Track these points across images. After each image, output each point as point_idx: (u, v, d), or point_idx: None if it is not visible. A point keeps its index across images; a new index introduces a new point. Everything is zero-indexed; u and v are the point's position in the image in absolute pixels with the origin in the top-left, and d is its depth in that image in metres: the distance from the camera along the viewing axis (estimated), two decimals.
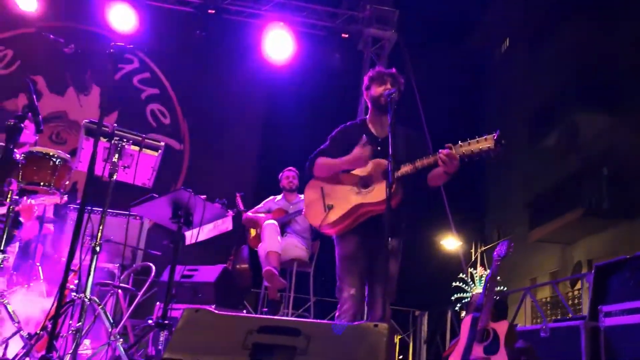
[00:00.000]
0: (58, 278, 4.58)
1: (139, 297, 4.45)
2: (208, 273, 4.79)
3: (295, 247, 5.06)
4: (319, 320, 2.03)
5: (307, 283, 5.27)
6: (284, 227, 5.15)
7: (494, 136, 2.74)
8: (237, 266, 5.61)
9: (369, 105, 3.23)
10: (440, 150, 2.82)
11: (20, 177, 2.71)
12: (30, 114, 2.59)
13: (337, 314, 3.02)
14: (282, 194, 5.42)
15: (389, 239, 2.47)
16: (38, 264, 4.42)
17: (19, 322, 2.70)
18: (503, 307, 7.34)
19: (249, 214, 5.37)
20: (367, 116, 3.27)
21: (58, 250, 4.92)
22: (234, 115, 7.43)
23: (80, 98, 7.09)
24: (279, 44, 7.14)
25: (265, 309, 5.02)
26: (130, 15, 6.87)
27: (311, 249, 5.25)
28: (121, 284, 4.73)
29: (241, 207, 5.74)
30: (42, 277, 4.43)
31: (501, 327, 3.45)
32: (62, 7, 7.04)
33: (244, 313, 5.07)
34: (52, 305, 4.00)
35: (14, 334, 2.70)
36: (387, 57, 7.53)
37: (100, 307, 2.59)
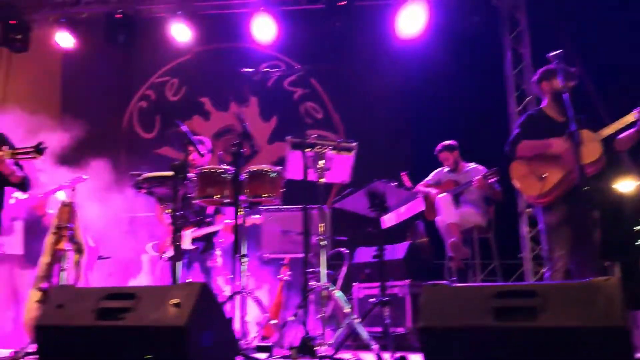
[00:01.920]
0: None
1: (339, 280, 4.90)
2: (396, 251, 5.12)
3: (472, 215, 5.23)
4: (549, 282, 2.22)
5: (487, 248, 5.40)
6: (457, 197, 5.32)
7: None
8: (416, 241, 5.90)
9: (546, 95, 3.66)
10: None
11: (247, 192, 3.19)
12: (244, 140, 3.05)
13: (547, 273, 3.21)
14: None
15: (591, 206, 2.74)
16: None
17: (266, 311, 3.19)
18: None
19: (420, 187, 5.62)
20: (543, 105, 3.71)
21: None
22: (380, 98, 7.64)
23: (242, 110, 7.75)
24: (412, 19, 7.24)
25: (454, 278, 5.24)
26: (270, 25, 7.37)
27: (487, 215, 5.37)
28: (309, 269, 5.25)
29: (408, 184, 5.99)
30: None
31: None
32: (210, 31, 7.70)
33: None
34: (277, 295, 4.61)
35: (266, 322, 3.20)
36: (525, 9, 7.29)
37: (336, 292, 2.98)
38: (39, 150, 3.38)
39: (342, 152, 3.26)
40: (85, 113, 7.76)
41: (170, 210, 3.35)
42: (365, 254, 5.40)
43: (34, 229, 5.41)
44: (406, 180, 5.94)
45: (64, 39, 7.39)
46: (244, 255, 3.23)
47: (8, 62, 7.90)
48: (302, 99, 7.78)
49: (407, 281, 4.81)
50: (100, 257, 4.77)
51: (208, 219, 4.52)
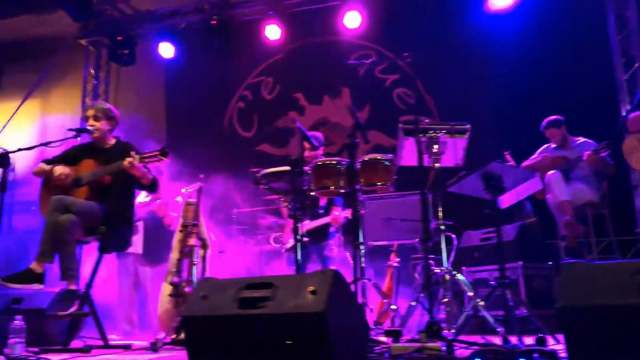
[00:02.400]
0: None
1: (448, 264, 4.89)
2: (506, 232, 5.02)
3: (585, 191, 5.04)
4: None
5: (601, 225, 5.18)
6: (568, 174, 5.14)
7: None
8: (526, 221, 5.75)
9: None
10: None
11: (362, 181, 3.28)
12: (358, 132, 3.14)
13: None
14: None
15: None
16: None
17: (386, 297, 3.26)
18: None
19: (526, 164, 5.48)
20: None
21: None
22: (474, 76, 7.47)
23: (335, 102, 7.90)
24: None
25: (567, 258, 5.08)
26: (357, 15, 7.42)
27: (600, 190, 5.15)
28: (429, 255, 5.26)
29: (513, 163, 5.85)
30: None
31: None
32: (299, 28, 7.86)
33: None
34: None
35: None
36: None
37: (459, 276, 3.01)
38: (164, 153, 3.64)
39: (455, 135, 3.27)
40: (188, 117, 8.24)
41: (287, 204, 3.50)
42: (472, 238, 5.35)
43: (154, 230, 5.82)
44: (510, 159, 5.80)
45: (166, 50, 7.83)
46: (360, 243, 3.33)
47: (117, 76, 8.49)
48: (394, 86, 7.78)
49: (519, 263, 4.72)
50: (220, 251, 5.06)
51: (321, 211, 4.69)
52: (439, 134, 3.19)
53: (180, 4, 7.98)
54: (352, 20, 7.47)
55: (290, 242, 5.00)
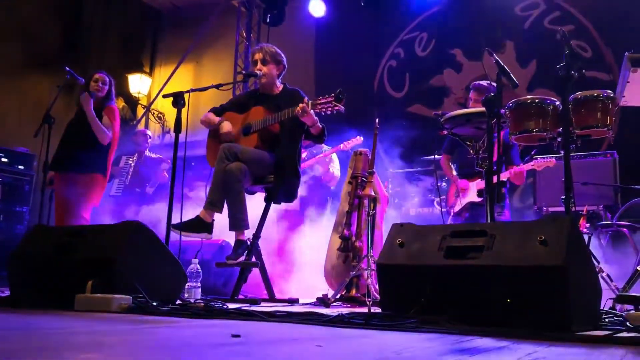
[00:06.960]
0: None
1: None
2: None
3: None
4: None
5: None
6: None
7: None
8: None
9: None
10: None
11: (573, 123, 2.77)
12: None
13: None
14: None
15: None
16: None
17: None
18: None
19: None
20: None
21: None
22: None
23: (498, 57, 7.20)
24: None
25: None
26: None
27: None
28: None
29: None
30: None
31: None
32: None
33: None
34: None
35: None
36: None
37: None
38: (338, 98, 3.37)
39: None
40: (337, 77, 7.98)
41: (475, 152, 3.09)
42: None
43: (312, 187, 5.67)
44: None
45: (317, 8, 7.64)
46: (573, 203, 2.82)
47: (267, 38, 8.46)
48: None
49: None
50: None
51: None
52: None
53: None
54: None
55: (459, 204, 4.58)
